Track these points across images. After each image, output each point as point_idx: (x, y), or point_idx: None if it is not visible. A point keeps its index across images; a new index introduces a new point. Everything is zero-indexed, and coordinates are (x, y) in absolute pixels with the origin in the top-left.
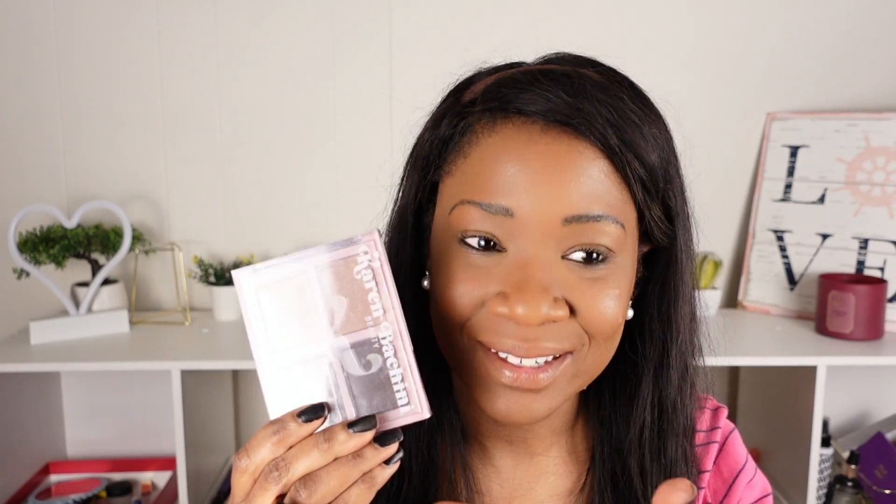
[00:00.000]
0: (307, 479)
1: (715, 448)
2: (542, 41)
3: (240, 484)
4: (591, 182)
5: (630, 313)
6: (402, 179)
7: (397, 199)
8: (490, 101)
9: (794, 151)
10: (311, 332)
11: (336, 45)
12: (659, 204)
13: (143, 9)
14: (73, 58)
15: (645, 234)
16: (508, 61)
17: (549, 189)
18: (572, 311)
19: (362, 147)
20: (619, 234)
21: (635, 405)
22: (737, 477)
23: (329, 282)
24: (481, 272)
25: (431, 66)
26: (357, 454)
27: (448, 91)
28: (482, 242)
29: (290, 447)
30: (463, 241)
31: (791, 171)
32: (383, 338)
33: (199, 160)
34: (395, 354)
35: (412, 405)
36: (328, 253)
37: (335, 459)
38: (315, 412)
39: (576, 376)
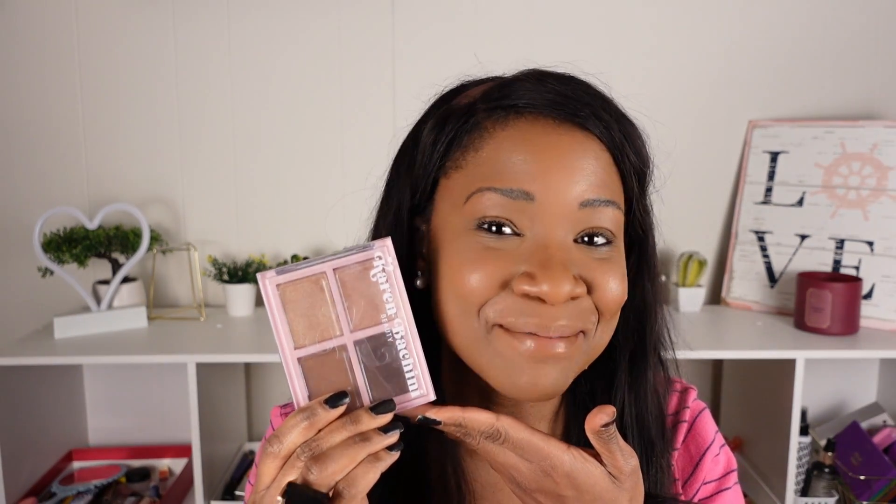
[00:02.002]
0: (318, 457)
1: (684, 427)
2: (533, 46)
3: (268, 470)
4: (600, 170)
5: None
6: (392, 184)
7: (386, 202)
8: (501, 99)
9: (774, 157)
10: (331, 327)
11: (342, 53)
12: (644, 197)
13: (160, 21)
14: (93, 69)
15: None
16: (489, 75)
17: (565, 175)
18: (588, 290)
19: (366, 150)
20: (620, 219)
21: (614, 390)
22: (704, 455)
23: (347, 282)
24: (500, 254)
25: (432, 72)
26: (364, 437)
27: (435, 100)
28: (497, 227)
29: (319, 430)
30: (480, 227)
31: (771, 176)
32: (396, 332)
33: (212, 165)
34: (407, 347)
35: (421, 390)
36: (346, 257)
37: (344, 441)
38: (339, 399)
39: (586, 353)
